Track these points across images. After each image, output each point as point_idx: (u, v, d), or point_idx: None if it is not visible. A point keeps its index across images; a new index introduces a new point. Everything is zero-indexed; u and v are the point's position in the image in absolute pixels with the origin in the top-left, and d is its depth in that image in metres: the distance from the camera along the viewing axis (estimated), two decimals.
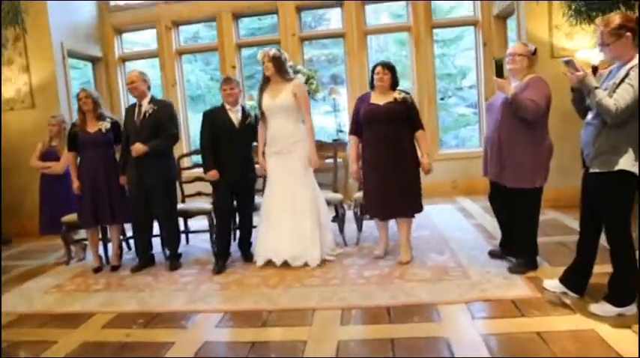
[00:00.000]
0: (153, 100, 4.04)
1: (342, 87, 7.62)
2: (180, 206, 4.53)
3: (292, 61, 6.25)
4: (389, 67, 3.70)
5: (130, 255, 4.56)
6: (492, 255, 3.69)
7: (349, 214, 4.62)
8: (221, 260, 3.98)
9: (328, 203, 4.28)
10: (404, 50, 9.68)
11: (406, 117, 3.66)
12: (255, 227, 4.22)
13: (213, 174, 3.91)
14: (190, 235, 4.89)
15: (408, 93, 3.76)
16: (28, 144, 4.96)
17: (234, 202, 4.11)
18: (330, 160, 4.66)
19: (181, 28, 7.05)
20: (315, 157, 3.82)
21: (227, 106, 4.01)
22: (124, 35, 7.16)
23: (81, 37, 6.46)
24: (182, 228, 4.74)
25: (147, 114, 3.95)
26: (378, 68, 3.71)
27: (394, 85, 3.73)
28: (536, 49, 3.36)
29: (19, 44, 5.86)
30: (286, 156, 3.81)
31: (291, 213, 3.80)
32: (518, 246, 3.45)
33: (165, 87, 6.90)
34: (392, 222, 3.94)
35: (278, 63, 3.73)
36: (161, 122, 3.95)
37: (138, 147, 3.85)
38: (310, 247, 3.79)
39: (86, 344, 2.85)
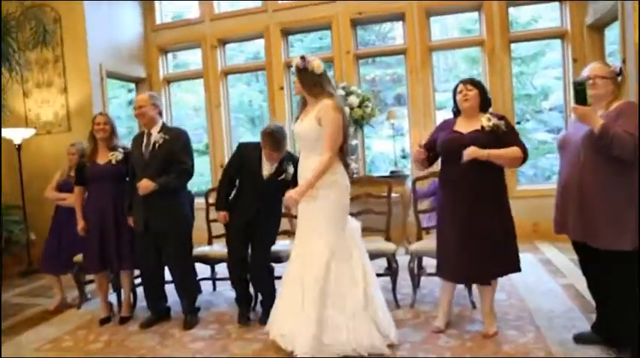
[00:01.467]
0: (164, 128, 3.43)
1: (404, 108, 6.84)
2: (202, 249, 3.89)
3: (345, 82, 5.60)
4: (473, 83, 2.89)
5: (145, 303, 3.94)
6: (580, 340, 2.72)
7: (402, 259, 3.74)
8: (244, 308, 3.38)
9: (378, 255, 3.47)
10: (475, 68, 8.73)
11: (496, 146, 2.80)
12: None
13: (222, 216, 3.38)
14: (220, 282, 4.24)
15: (502, 117, 2.88)
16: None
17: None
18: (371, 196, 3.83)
19: (228, 46, 6.57)
20: (295, 195, 2.73)
21: (264, 157, 3.34)
22: (169, 55, 6.80)
23: (124, 58, 6.14)
24: (209, 273, 4.16)
25: (157, 145, 3.34)
26: (460, 86, 2.90)
27: (484, 105, 2.90)
28: (621, 69, 2.54)
29: (59, 65, 5.60)
30: (308, 203, 2.81)
31: (298, 277, 2.82)
32: (618, 330, 2.54)
33: (208, 108, 6.41)
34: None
35: (302, 76, 2.80)
36: (173, 154, 3.33)
37: (145, 184, 3.24)
38: (302, 329, 2.65)
39: None
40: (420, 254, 3.51)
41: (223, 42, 6.40)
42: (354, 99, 5.17)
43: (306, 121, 2.81)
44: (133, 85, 6.80)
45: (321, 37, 8.54)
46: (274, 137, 3.20)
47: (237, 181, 3.47)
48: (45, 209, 5.39)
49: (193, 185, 8.09)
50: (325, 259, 2.71)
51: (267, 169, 3.32)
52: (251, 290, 3.56)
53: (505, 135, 2.79)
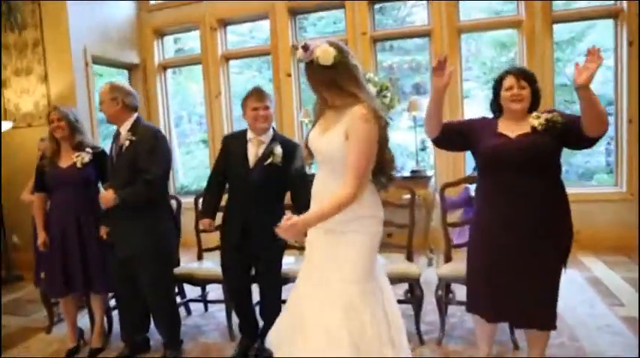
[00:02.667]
0: (134, 127, 2.74)
1: (424, 97, 6.12)
2: (189, 266, 3.29)
3: (362, 67, 4.90)
4: (527, 77, 2.22)
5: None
6: None
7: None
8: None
9: (399, 279, 2.82)
10: (504, 54, 7.95)
11: (556, 152, 2.19)
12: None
13: (205, 222, 2.78)
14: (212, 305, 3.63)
15: (554, 111, 2.22)
16: None
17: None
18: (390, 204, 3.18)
19: (230, 28, 5.90)
20: (301, 224, 1.84)
21: (250, 134, 2.72)
22: (168, 38, 6.17)
23: (113, 41, 5.51)
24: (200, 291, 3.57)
25: (123, 148, 2.69)
26: (510, 79, 2.21)
27: (535, 105, 2.25)
28: None
29: (39, 50, 5.01)
30: (333, 237, 1.98)
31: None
32: None
33: (207, 98, 5.78)
34: None
35: (310, 71, 1.89)
36: (139, 159, 2.67)
37: (105, 197, 2.63)
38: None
39: None
40: (450, 280, 2.86)
41: (224, 23, 5.73)
42: (371, 89, 4.47)
43: (331, 135, 1.92)
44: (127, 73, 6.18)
45: (335, 20, 7.82)
46: (258, 89, 2.71)
47: (228, 184, 2.86)
48: (27, 208, 4.87)
49: (192, 183, 7.59)
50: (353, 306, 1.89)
51: (252, 153, 2.70)
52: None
53: (564, 127, 2.13)
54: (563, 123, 2.14)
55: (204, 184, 2.97)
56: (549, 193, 2.21)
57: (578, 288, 3.68)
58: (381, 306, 1.95)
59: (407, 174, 4.67)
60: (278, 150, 2.65)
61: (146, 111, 5.92)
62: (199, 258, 3.45)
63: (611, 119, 6.03)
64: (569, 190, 2.30)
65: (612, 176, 5.16)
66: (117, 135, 2.80)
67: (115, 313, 3.25)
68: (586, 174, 6.82)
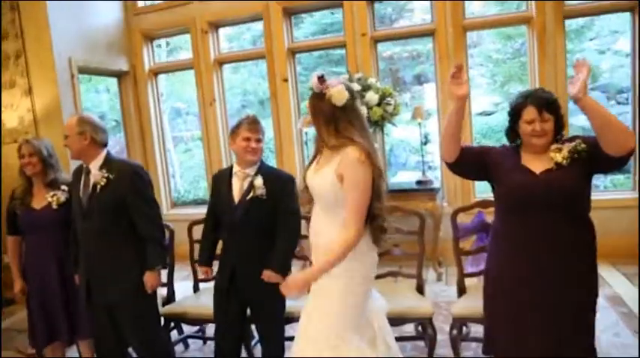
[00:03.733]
0: (107, 163, 2.46)
1: (427, 84, 5.84)
2: (181, 304, 3.06)
3: (361, 72, 4.64)
4: (550, 108, 1.94)
5: None
6: None
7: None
8: None
9: (409, 319, 2.64)
10: (510, 46, 7.65)
11: (584, 186, 1.96)
12: None
13: (203, 271, 2.65)
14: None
15: (576, 138, 1.97)
16: None
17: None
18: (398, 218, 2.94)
19: (222, 31, 5.60)
20: (300, 281, 1.90)
21: (236, 167, 2.49)
22: (160, 41, 5.88)
23: (100, 49, 5.22)
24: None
25: (97, 187, 2.40)
26: (531, 111, 1.94)
27: (558, 132, 1.99)
28: None
29: (21, 61, 4.74)
30: (320, 280, 1.93)
31: None
32: None
33: (201, 106, 5.51)
34: None
35: (315, 102, 1.93)
36: (124, 204, 2.41)
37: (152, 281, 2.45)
38: None
39: None
40: (466, 320, 2.64)
41: (216, 26, 5.43)
42: (372, 96, 4.22)
43: (324, 173, 1.93)
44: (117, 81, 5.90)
45: (333, 21, 7.49)
46: (252, 118, 2.51)
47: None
48: None
49: (189, 187, 7.35)
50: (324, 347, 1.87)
51: (237, 188, 2.48)
52: None
53: (591, 152, 1.89)
54: (588, 150, 1.90)
55: (200, 191, 2.74)
56: (580, 236, 1.97)
57: (600, 311, 3.45)
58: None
59: (413, 186, 4.43)
60: (258, 181, 2.42)
61: (137, 119, 5.67)
62: (195, 290, 3.24)
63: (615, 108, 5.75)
64: (595, 196, 2.07)
65: (629, 177, 4.91)
66: (83, 172, 2.50)
67: None
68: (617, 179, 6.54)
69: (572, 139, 1.98)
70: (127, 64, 5.58)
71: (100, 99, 8.09)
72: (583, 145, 1.91)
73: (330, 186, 1.89)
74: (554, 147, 1.96)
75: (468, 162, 2.10)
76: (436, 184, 4.41)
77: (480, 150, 2.18)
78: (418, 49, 8.66)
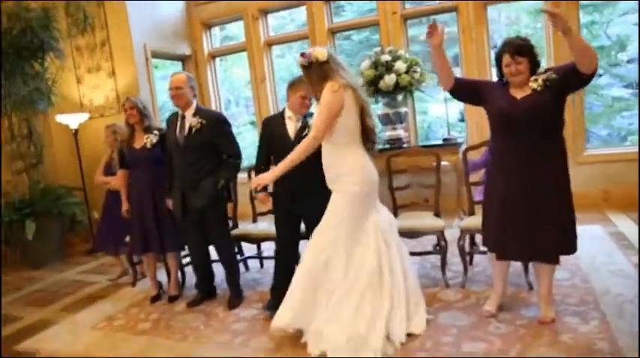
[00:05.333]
0: (199, 111, 3.32)
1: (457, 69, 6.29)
2: (245, 227, 3.86)
3: (392, 45, 5.26)
4: (521, 52, 2.52)
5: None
6: None
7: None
8: (275, 298, 3.10)
9: (426, 232, 3.33)
10: (539, 21, 7.99)
11: (557, 107, 2.53)
12: None
13: (260, 197, 3.17)
14: (267, 260, 4.17)
15: (548, 70, 2.56)
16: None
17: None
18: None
19: (270, 17, 6.37)
20: (261, 180, 2.74)
21: (288, 114, 3.17)
22: (215, 29, 6.73)
23: (168, 36, 6.12)
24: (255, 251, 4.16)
25: (193, 130, 3.25)
26: (506, 57, 2.54)
27: (534, 69, 2.57)
28: None
29: (105, 49, 5.69)
30: (332, 196, 2.72)
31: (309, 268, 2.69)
32: None
33: (253, 82, 6.31)
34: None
35: (309, 73, 2.67)
36: (212, 142, 3.26)
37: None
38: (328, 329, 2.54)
39: None
40: (472, 231, 3.27)
41: (265, 12, 6.21)
42: (401, 65, 4.85)
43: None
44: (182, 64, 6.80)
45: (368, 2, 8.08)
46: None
47: (273, 158, 3.35)
48: (103, 189, 5.62)
49: (244, 161, 8.19)
50: (325, 255, 2.64)
51: (292, 130, 3.14)
52: None
53: (562, 78, 2.48)
54: (559, 78, 2.47)
55: (254, 161, 3.46)
56: (553, 146, 2.55)
57: (600, 241, 3.94)
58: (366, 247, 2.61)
59: (439, 142, 5.03)
60: (312, 122, 3.12)
61: (199, 98, 6.53)
62: (254, 221, 4.03)
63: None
64: (607, 151, 2.61)
65: None
66: (179, 118, 3.34)
67: (188, 268, 3.91)
68: (629, 136, 6.85)
69: (546, 71, 2.56)
70: (189, 49, 6.46)
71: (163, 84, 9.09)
72: (554, 75, 2.50)
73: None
74: (532, 78, 2.56)
75: (462, 90, 2.77)
76: (460, 139, 4.98)
77: (473, 81, 2.83)
78: (454, 31, 9.10)
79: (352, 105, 2.58)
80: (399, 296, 2.61)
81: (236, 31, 7.12)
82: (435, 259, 3.62)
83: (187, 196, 3.30)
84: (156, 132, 3.54)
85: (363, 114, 2.62)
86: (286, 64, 9.42)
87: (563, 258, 2.71)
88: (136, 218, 3.55)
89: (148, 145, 3.49)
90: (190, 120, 3.27)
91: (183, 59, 6.50)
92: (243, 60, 6.62)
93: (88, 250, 5.61)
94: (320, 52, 2.59)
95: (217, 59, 6.76)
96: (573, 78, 2.45)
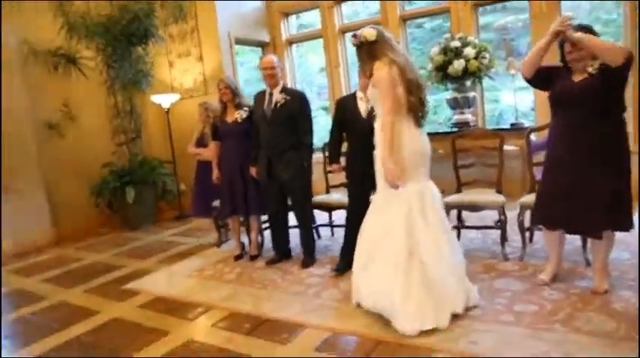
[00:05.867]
0: (285, 90, 3.79)
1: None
2: (321, 198, 4.27)
3: (462, 32, 5.41)
4: None
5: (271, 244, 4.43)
6: None
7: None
8: (344, 259, 3.46)
9: (487, 207, 3.59)
10: (619, 6, 7.72)
11: (609, 91, 2.64)
12: None
13: (336, 168, 3.59)
14: (337, 229, 4.57)
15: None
16: None
17: None
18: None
19: (344, 6, 6.69)
20: (390, 176, 2.67)
21: (359, 94, 3.51)
22: (292, 17, 7.15)
23: (249, 24, 6.64)
24: (326, 220, 4.56)
25: (278, 105, 3.72)
26: (568, 45, 2.71)
27: (595, 56, 2.69)
28: None
29: (195, 36, 6.28)
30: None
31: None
32: None
33: (328, 68, 6.69)
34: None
35: (361, 53, 2.81)
36: (294, 116, 3.70)
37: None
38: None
39: (190, 342, 2.79)
40: (528, 207, 3.46)
41: (339, 0, 6.55)
42: (470, 51, 5.02)
43: (369, 93, 2.90)
44: (260, 50, 7.31)
45: None
46: None
47: (346, 135, 3.69)
48: (190, 162, 6.26)
49: (316, 144, 8.61)
50: (369, 221, 2.88)
51: (363, 109, 3.46)
52: None
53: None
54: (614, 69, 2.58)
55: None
56: (607, 128, 2.68)
57: None
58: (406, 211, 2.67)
59: (506, 127, 5.16)
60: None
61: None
62: (327, 192, 4.45)
63: None
64: None
65: None
66: (263, 94, 3.81)
67: (267, 232, 4.38)
68: None
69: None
70: (269, 36, 6.94)
71: (247, 71, 9.73)
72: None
73: (371, 92, 2.81)
74: (590, 63, 2.72)
75: (539, 76, 2.88)
76: (527, 124, 5.08)
77: (547, 67, 2.93)
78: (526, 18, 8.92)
79: (397, 81, 2.70)
80: (435, 269, 2.62)
81: (311, 19, 7.52)
82: (496, 236, 3.82)
83: (273, 165, 3.76)
84: (246, 108, 4.02)
85: (408, 89, 2.73)
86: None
87: (626, 241, 2.81)
88: (226, 184, 4.05)
89: (239, 119, 3.97)
90: (277, 97, 3.73)
91: (262, 45, 7.00)
92: (317, 47, 7.00)
93: (176, 216, 6.30)
94: (369, 33, 2.74)
95: (294, 46, 7.19)
96: (609, 69, 2.57)
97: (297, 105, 3.72)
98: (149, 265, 4.45)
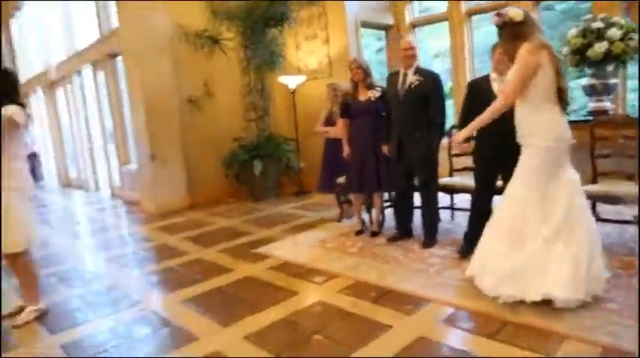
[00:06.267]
0: (419, 71, 3.85)
1: None
2: (445, 180, 4.29)
3: (605, 13, 4.99)
4: None
5: (392, 223, 4.47)
6: None
7: None
8: (469, 243, 3.43)
9: (623, 199, 3.35)
10: None
11: None
12: None
13: (464, 147, 3.45)
14: (457, 212, 4.61)
15: None
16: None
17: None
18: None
19: None
20: (458, 136, 3.06)
21: (493, 76, 3.46)
22: (414, 2, 7.10)
23: (374, 8, 6.72)
24: (448, 203, 4.56)
25: (412, 86, 3.80)
26: None
27: None
28: None
29: (322, 20, 6.52)
30: (523, 151, 2.85)
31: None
32: None
33: (453, 51, 6.57)
34: None
35: (505, 33, 2.77)
36: (427, 96, 3.75)
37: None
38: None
39: (321, 303, 3.03)
40: None
41: None
42: (615, 32, 4.62)
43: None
44: (381, 34, 7.36)
45: None
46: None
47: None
48: (310, 141, 6.59)
49: None
50: (515, 209, 2.79)
51: (497, 89, 3.36)
52: None
53: None
54: None
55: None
56: None
57: None
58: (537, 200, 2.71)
59: None
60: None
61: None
62: (450, 175, 4.46)
63: None
64: None
65: None
66: (397, 75, 3.91)
67: (388, 212, 4.52)
68: None
69: None
70: (393, 20, 6.98)
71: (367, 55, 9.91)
72: None
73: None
74: None
75: None
76: None
77: None
78: None
79: (548, 65, 2.64)
80: (584, 253, 2.63)
81: (432, 3, 7.43)
82: (634, 231, 3.58)
83: (404, 143, 3.86)
84: (378, 88, 4.14)
85: (557, 74, 2.67)
86: (482, 34, 9.40)
87: None
88: (357, 160, 4.21)
89: (372, 98, 4.11)
90: (411, 78, 3.81)
91: (386, 29, 7.05)
92: (436, 31, 6.90)
93: (295, 192, 6.69)
94: (515, 13, 2.66)
95: (416, 29, 7.14)
96: None
97: (430, 86, 3.78)
98: (274, 233, 4.81)
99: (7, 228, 2.98)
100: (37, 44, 10.79)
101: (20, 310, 3.19)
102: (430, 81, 3.80)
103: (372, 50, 9.00)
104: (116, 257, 4.59)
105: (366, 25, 6.65)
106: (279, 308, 2.99)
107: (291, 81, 6.51)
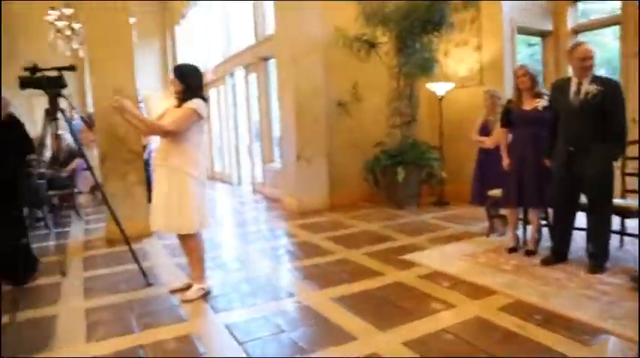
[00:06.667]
0: (595, 79, 3.50)
1: None
2: (618, 202, 3.86)
3: None
4: None
5: (549, 243, 4.16)
6: None
7: None
8: None
9: None
10: None
11: None
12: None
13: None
14: (627, 238, 4.14)
15: None
16: (473, 117, 5.27)
17: None
18: None
19: None
20: None
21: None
22: (578, 4, 6.52)
23: (532, 12, 6.32)
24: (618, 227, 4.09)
25: (589, 95, 3.47)
26: None
27: None
28: None
29: (474, 26, 6.31)
30: None
31: None
32: None
33: (623, 58, 5.92)
34: None
35: None
36: (606, 107, 3.42)
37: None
38: None
39: (480, 319, 2.92)
40: None
41: None
42: None
43: None
44: (532, 40, 6.90)
45: None
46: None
47: None
48: (454, 150, 6.41)
49: None
50: None
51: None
52: None
53: None
54: None
55: None
56: None
57: None
58: None
59: None
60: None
61: (555, 74, 6.54)
62: (622, 196, 4.02)
63: None
64: None
65: None
66: (567, 83, 3.62)
67: (545, 230, 4.22)
68: None
69: None
70: (552, 25, 6.49)
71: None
72: None
73: None
74: None
75: None
76: None
77: None
78: None
79: None
80: None
81: (597, 6, 6.75)
82: None
83: (575, 158, 3.56)
84: (545, 97, 3.89)
85: None
86: None
87: None
88: (515, 172, 4.00)
89: (539, 108, 3.88)
90: (587, 87, 3.50)
91: (543, 35, 6.59)
92: (595, 37, 6.27)
93: (434, 202, 6.55)
94: None
95: (579, 35, 6.57)
96: None
97: (610, 96, 3.44)
98: (419, 241, 4.76)
99: (184, 211, 3.34)
100: (197, 48, 11.94)
101: (188, 287, 3.56)
102: (610, 90, 3.45)
103: (523, 57, 8.50)
104: (265, 249, 4.90)
105: (522, 30, 6.29)
106: (437, 319, 2.96)
107: (439, 88, 6.40)
